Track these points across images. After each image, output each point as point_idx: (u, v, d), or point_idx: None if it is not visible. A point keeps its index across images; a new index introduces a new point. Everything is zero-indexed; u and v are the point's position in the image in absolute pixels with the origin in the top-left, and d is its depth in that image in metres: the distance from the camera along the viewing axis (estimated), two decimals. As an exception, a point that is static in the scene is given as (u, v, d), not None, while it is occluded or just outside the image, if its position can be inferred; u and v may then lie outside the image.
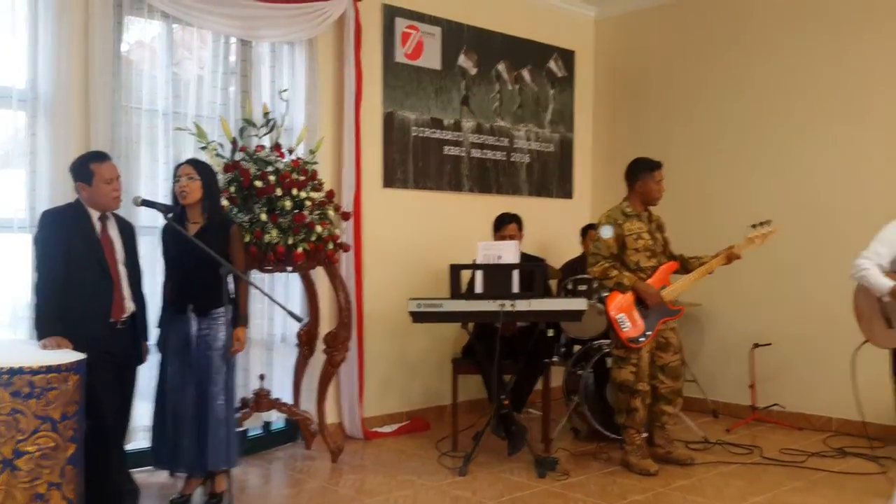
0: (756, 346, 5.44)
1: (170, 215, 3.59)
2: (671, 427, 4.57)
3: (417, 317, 4.39)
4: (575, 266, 5.59)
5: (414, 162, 5.57)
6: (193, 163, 3.76)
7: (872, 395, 4.21)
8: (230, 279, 3.56)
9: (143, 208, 3.71)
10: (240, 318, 3.68)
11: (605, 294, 5.00)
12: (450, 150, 5.77)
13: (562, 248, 6.01)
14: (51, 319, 3.34)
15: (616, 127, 6.58)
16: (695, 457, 4.53)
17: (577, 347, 5.29)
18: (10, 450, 2.86)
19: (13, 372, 2.88)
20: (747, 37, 5.72)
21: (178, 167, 3.75)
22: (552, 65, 6.45)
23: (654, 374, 4.43)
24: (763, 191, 5.59)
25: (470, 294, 4.48)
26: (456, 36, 5.78)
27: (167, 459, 3.71)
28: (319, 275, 4.68)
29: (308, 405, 4.75)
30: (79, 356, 3.14)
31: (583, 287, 5.22)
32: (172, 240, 3.70)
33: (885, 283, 3.66)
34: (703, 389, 5.67)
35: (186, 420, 3.62)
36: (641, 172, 4.46)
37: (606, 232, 4.39)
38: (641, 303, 4.36)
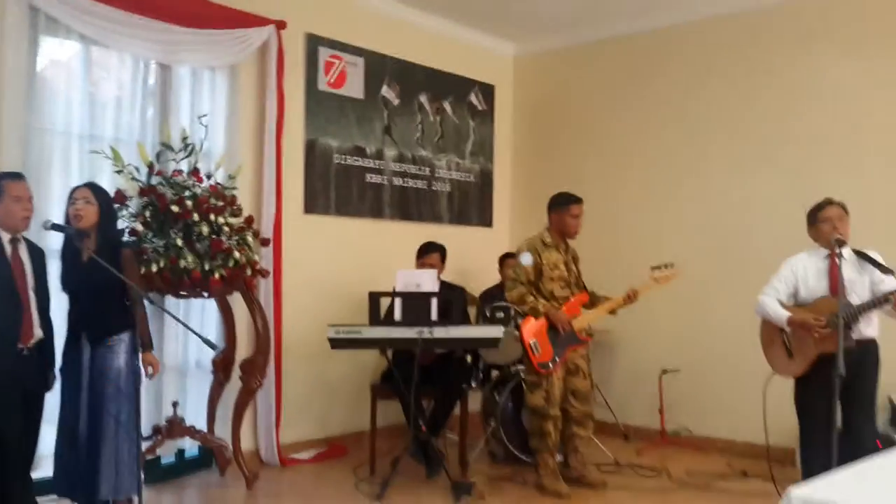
0: (665, 371, 5.65)
1: (81, 240, 3.54)
2: (584, 450, 4.70)
3: (336, 343, 4.42)
4: (493, 293, 5.70)
5: (336, 189, 5.61)
6: (91, 186, 3.72)
7: (771, 419, 4.42)
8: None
9: (52, 233, 3.65)
10: (145, 344, 3.62)
11: (521, 320, 5.15)
12: (372, 178, 5.84)
13: (481, 275, 6.13)
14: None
15: (534, 159, 6.79)
16: (606, 480, 4.66)
17: (494, 373, 5.40)
18: None
19: None
20: (657, 78, 6.02)
21: (74, 189, 3.69)
22: (473, 98, 6.62)
23: (565, 397, 4.56)
24: (672, 224, 5.86)
25: (389, 321, 4.53)
26: (379, 67, 5.88)
27: (64, 487, 3.62)
28: (237, 300, 4.65)
29: (223, 432, 4.69)
30: (-18, 382, 3.06)
31: (500, 314, 5.33)
32: (70, 264, 3.65)
33: (783, 313, 3.90)
34: (614, 413, 5.85)
35: (78, 448, 3.54)
36: (558, 206, 4.63)
37: (526, 259, 4.54)
38: (552, 329, 4.49)
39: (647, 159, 6.06)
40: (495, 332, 4.60)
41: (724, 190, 5.65)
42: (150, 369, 3.61)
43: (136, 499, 3.54)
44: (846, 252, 3.92)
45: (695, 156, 5.81)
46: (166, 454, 4.61)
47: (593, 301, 4.68)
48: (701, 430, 5.62)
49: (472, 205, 6.61)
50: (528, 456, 4.89)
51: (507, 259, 5.83)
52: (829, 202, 3.99)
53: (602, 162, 6.28)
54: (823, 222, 3.94)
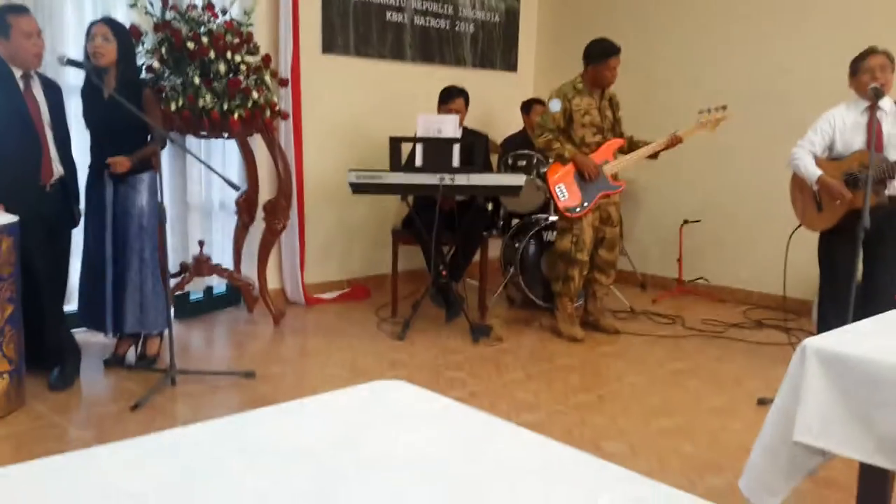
0: (686, 222, 5.64)
1: (100, 77, 3.46)
2: (602, 296, 4.78)
3: (357, 188, 4.40)
4: (516, 141, 5.61)
5: (355, 27, 5.40)
6: (109, 22, 3.58)
7: (790, 271, 4.44)
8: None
9: (70, 69, 3.57)
10: (132, 156, 3.51)
11: (544, 170, 5.11)
12: (392, 17, 5.60)
13: (503, 121, 6.01)
14: (-22, 181, 3.25)
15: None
16: (619, 327, 4.76)
17: (515, 221, 5.41)
18: (-56, 310, 2.86)
19: (-58, 233, 2.83)
20: None
21: (92, 25, 3.55)
22: (501, -71, 6.22)
23: (595, 245, 4.59)
24: (708, 74, 5.62)
25: (410, 167, 4.49)
26: None
27: (89, 319, 3.75)
28: (258, 143, 4.61)
29: (249, 272, 4.80)
30: (11, 218, 3.11)
31: (522, 162, 5.28)
32: (90, 101, 3.59)
33: (815, 172, 3.82)
34: (632, 262, 5.90)
35: (104, 283, 3.63)
36: (595, 59, 4.43)
37: (555, 105, 4.44)
38: (581, 175, 4.45)
39: (687, 6, 5.72)
40: (517, 180, 4.55)
41: (764, 39, 5.37)
42: (115, 165, 3.50)
43: (165, 332, 3.67)
44: (887, 104, 3.76)
45: (737, 3, 5.49)
46: (195, 291, 4.75)
47: (632, 146, 4.59)
48: (719, 281, 5.68)
49: (496, 47, 6.37)
50: (544, 302, 5.00)
51: (533, 105, 5.68)
52: (871, 51, 3.79)
53: (639, 7, 5.95)
54: (864, 73, 3.77)
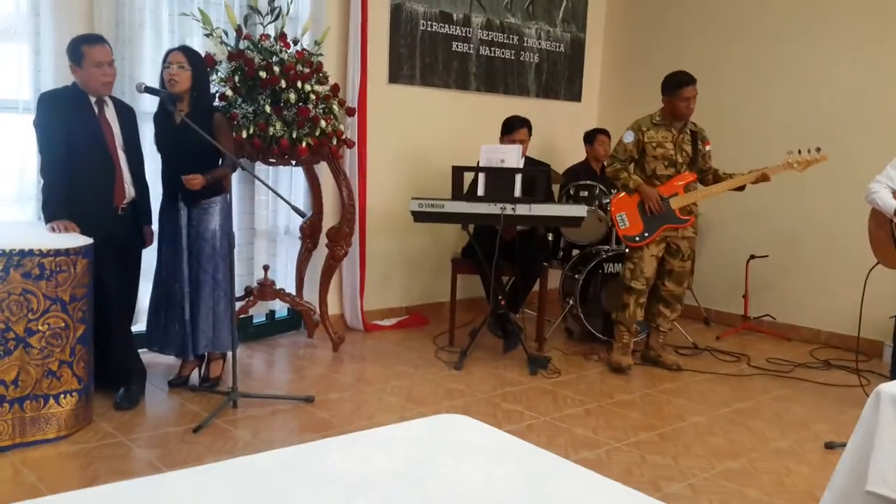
0: (753, 257, 5.51)
1: (174, 104, 3.58)
2: (665, 330, 4.69)
3: (419, 216, 4.43)
4: (578, 171, 5.59)
5: (421, 57, 5.48)
6: (185, 50, 3.71)
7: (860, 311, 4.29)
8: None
9: (147, 95, 3.70)
10: (207, 175, 3.54)
11: (606, 200, 5.08)
12: (458, 47, 5.67)
13: (566, 151, 5.99)
14: (57, 202, 3.39)
15: (629, 29, 6.42)
16: (682, 363, 4.66)
17: (575, 251, 5.37)
18: (22, 328, 2.98)
19: (24, 254, 2.96)
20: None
21: (168, 53, 3.69)
22: (567, -39, 6.25)
23: (659, 276, 4.54)
24: (775, 107, 5.52)
25: (472, 196, 4.51)
26: (469, -74, 5.58)
27: (158, 342, 3.84)
28: (323, 169, 4.70)
29: (311, 296, 4.87)
30: (86, 240, 3.22)
31: (584, 193, 5.25)
32: (162, 127, 3.71)
33: (892, 204, 3.73)
34: (696, 297, 5.79)
35: (177, 306, 3.73)
36: (668, 91, 4.43)
37: (628, 136, 4.49)
38: (645, 206, 4.42)
39: (752, 36, 5.64)
40: (579, 211, 4.53)
41: (834, 71, 5.25)
42: (189, 182, 3.51)
43: (230, 354, 3.74)
44: None
45: (805, 36, 5.38)
46: (258, 314, 4.84)
47: (717, 179, 4.53)
48: (785, 318, 5.52)
49: (561, 77, 6.37)
50: (604, 335, 4.93)
51: (596, 136, 5.66)
52: None
53: (704, 38, 5.88)
54: None
